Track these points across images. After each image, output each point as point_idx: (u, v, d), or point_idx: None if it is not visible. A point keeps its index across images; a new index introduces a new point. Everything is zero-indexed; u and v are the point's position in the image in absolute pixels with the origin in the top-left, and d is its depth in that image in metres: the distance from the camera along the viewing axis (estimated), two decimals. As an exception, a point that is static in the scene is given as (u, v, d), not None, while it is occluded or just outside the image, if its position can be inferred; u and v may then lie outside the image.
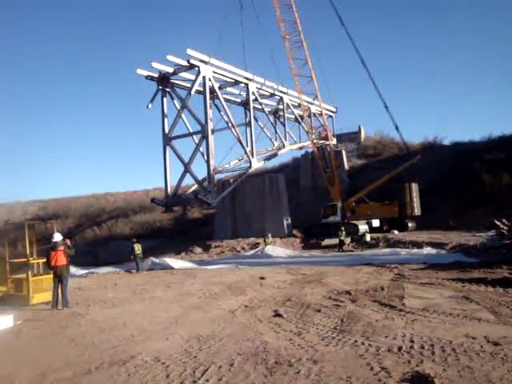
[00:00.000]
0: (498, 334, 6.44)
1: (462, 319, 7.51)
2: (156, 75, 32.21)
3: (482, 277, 12.11)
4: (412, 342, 6.26)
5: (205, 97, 31.57)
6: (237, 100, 39.38)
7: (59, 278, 10.85)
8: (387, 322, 7.56)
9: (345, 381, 4.85)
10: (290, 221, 36.62)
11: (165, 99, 33.25)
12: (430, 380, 4.66)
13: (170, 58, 29.79)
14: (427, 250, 22.35)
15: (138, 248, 21.34)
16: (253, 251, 28.38)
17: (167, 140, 33.17)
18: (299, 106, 41.84)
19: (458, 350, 5.72)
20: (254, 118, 37.21)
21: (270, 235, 30.73)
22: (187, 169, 32.31)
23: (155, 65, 30.99)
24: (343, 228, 28.59)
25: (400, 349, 5.95)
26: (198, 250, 33.48)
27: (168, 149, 33.36)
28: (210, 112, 32.00)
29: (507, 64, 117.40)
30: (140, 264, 21.23)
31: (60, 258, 10.89)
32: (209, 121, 31.52)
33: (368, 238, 27.51)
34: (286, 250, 28.38)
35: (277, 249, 28.26)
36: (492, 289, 10.38)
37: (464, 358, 5.43)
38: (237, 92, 37.84)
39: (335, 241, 28.93)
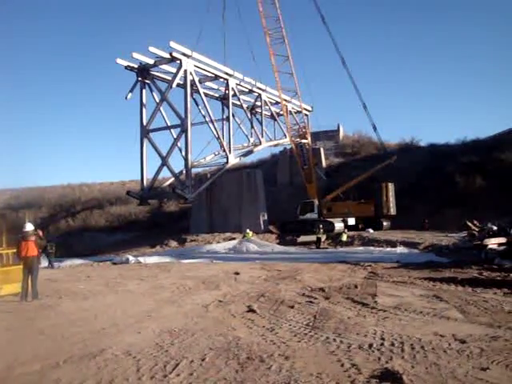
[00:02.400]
0: (465, 332, 6.58)
1: (431, 317, 7.65)
2: (136, 66, 31.77)
3: (453, 276, 12.36)
4: (383, 339, 6.34)
5: (185, 90, 31.36)
6: (215, 95, 39.14)
7: (29, 269, 10.61)
8: (359, 320, 7.64)
9: (315, 377, 4.88)
10: (266, 217, 36.69)
11: (144, 91, 32.87)
12: (399, 377, 4.73)
13: (151, 49, 29.49)
14: (400, 249, 22.73)
15: (50, 247, 22.37)
16: (232, 243, 28.29)
17: (145, 132, 32.80)
18: (276, 103, 41.91)
19: (427, 348, 5.82)
20: (232, 113, 37.07)
21: (248, 230, 30.92)
22: (164, 162, 32.01)
23: (136, 55, 30.57)
24: (321, 225, 28.85)
25: (371, 346, 6.01)
26: (174, 243, 33.34)
27: (145, 141, 32.99)
28: (189, 106, 31.76)
29: (482, 71, 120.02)
30: (52, 262, 22.19)
31: (31, 249, 10.65)
32: (189, 115, 31.26)
33: (345, 237, 27.72)
34: (275, 245, 28.40)
35: (264, 243, 28.35)
36: (461, 288, 10.60)
37: (432, 355, 5.53)
38: (215, 87, 37.64)
39: (311, 238, 29.15)
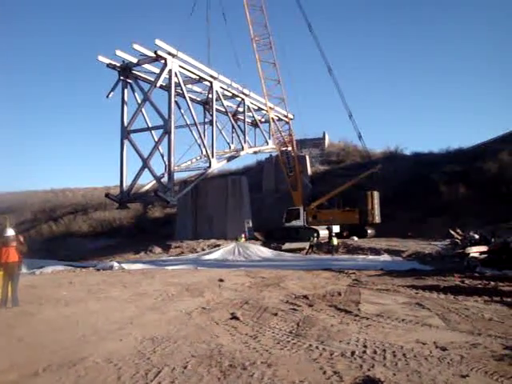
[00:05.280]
0: (447, 339, 6.65)
1: (413, 325, 7.71)
2: (118, 64, 31.07)
3: (435, 284, 12.48)
4: (365, 346, 6.37)
5: (169, 91, 30.69)
6: (197, 98, 38.73)
7: (10, 276, 10.42)
8: (342, 327, 7.66)
9: (297, 384, 4.88)
10: (251, 224, 36.65)
11: (126, 90, 32.12)
12: (380, 384, 4.76)
13: (136, 46, 28.63)
14: (384, 257, 22.89)
15: None
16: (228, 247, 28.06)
17: (126, 133, 31.87)
18: (258, 109, 41.76)
19: (408, 355, 5.87)
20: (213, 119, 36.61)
21: (242, 235, 30.91)
22: (146, 164, 31.12)
23: (119, 53, 29.73)
24: (316, 234, 29.11)
25: (353, 353, 6.03)
26: (158, 249, 33.10)
27: (126, 142, 31.97)
28: (173, 107, 31.10)
29: (466, 81, 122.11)
30: None
31: (12, 254, 10.46)
32: (172, 116, 30.61)
33: (335, 241, 27.46)
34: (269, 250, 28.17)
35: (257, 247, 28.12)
36: (444, 296, 10.71)
37: (413, 362, 5.58)
38: (198, 90, 37.22)
39: (296, 245, 29.21)
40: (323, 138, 56.95)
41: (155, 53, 29.21)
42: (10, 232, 10.79)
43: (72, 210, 55.50)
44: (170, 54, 29.82)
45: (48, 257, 29.69)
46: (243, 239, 30.86)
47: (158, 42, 28.69)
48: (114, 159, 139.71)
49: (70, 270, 21.28)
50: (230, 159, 38.67)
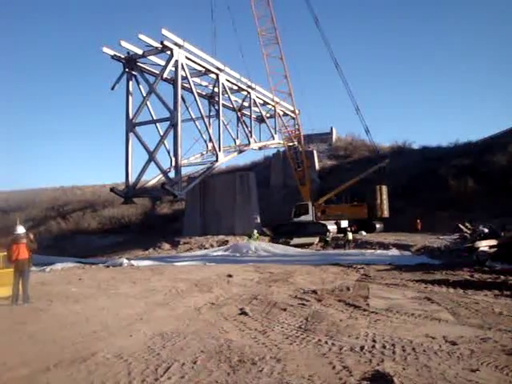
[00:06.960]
0: (456, 333, 6.62)
1: (423, 319, 7.68)
2: (123, 56, 30.69)
3: (444, 278, 12.42)
4: (374, 341, 6.35)
5: (176, 82, 30.35)
6: (202, 92, 38.47)
7: (20, 272, 10.52)
8: (351, 322, 7.65)
9: (307, 379, 4.88)
10: (259, 219, 36.65)
11: (130, 83, 31.78)
12: (390, 379, 4.74)
13: (141, 37, 28.09)
14: (392, 252, 22.81)
15: None
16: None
17: (131, 126, 31.44)
18: (264, 104, 41.49)
19: (418, 350, 5.85)
20: (220, 112, 36.37)
21: (255, 231, 30.69)
22: (152, 157, 30.62)
23: (124, 44, 29.41)
24: (330, 229, 29.10)
25: (362, 348, 6.02)
26: (167, 246, 33.24)
27: (131, 135, 31.48)
28: (179, 99, 30.65)
29: (475, 75, 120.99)
30: None
31: (22, 252, 10.55)
32: (179, 108, 30.11)
33: (350, 236, 27.21)
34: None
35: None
36: (453, 290, 10.66)
37: (423, 357, 5.56)
38: (204, 84, 36.89)
39: (304, 240, 29.19)
40: (330, 133, 56.80)
41: (161, 43, 28.69)
42: (21, 229, 10.89)
43: (81, 207, 55.85)
44: (176, 44, 29.28)
45: (57, 254, 29.89)
46: (256, 236, 30.29)
47: (164, 31, 28.14)
48: (122, 156, 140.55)
49: (80, 266, 21.39)
50: (238, 153, 38.54)
